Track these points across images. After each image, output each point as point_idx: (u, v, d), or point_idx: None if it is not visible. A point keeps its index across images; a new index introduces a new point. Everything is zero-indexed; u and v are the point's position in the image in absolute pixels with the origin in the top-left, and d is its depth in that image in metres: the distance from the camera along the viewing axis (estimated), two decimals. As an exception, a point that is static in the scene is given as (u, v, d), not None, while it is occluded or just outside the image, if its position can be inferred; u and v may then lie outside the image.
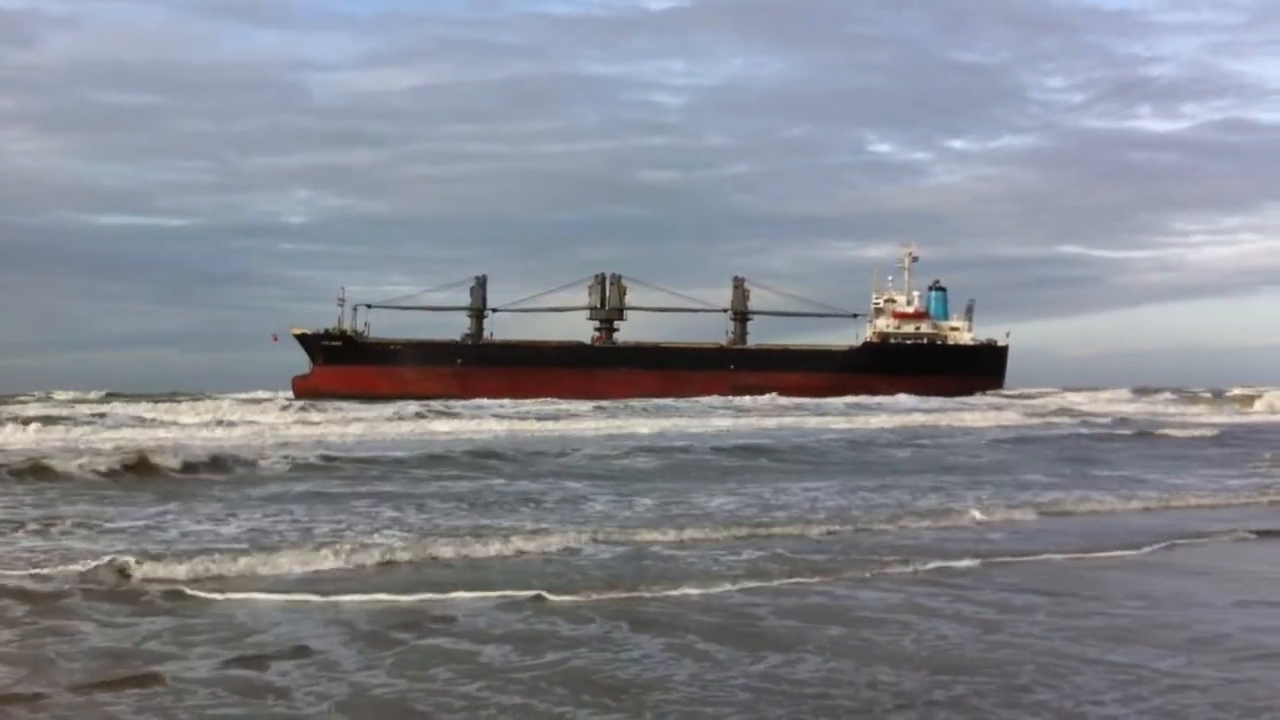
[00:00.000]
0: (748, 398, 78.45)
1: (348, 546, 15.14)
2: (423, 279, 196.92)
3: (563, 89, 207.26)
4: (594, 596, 12.58)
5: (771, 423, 53.75)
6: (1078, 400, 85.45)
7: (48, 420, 41.70)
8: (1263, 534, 18.20)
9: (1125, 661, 9.83)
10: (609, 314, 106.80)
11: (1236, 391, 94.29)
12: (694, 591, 12.95)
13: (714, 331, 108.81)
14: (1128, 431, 48.24)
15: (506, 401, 70.23)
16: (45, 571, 13.44)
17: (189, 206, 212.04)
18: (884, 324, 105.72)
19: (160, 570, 13.58)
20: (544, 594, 12.54)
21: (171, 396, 72.18)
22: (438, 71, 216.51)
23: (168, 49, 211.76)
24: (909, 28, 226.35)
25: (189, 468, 25.96)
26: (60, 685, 9.00)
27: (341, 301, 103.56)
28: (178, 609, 11.88)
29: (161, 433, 39.71)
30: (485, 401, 70.44)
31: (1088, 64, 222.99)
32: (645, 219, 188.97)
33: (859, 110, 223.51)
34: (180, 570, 13.65)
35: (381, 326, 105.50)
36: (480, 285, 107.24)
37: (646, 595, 12.76)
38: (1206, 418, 65.25)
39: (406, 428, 45.55)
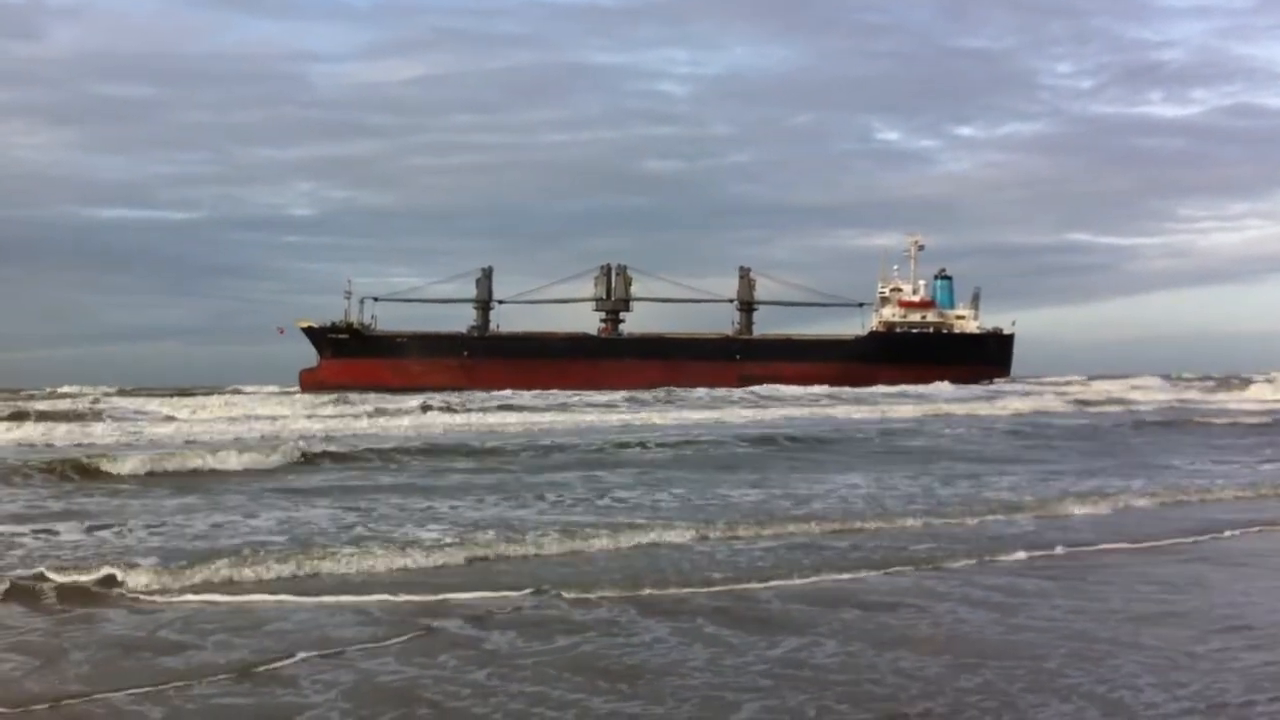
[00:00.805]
0: (784, 387, 77.98)
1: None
2: (428, 271, 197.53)
3: (566, 79, 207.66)
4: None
5: (840, 412, 54.07)
6: (1111, 388, 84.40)
7: (80, 416, 42.58)
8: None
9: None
10: (615, 305, 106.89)
11: (1268, 376, 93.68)
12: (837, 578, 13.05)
13: (720, 322, 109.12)
14: (1195, 419, 47.90)
15: (563, 393, 70.08)
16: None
17: (191, 199, 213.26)
18: (890, 313, 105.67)
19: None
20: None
21: (183, 391, 72.53)
22: (439, 62, 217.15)
23: (168, 40, 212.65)
24: (915, 14, 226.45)
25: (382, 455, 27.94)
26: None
27: (348, 294, 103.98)
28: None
29: (262, 425, 40.36)
30: (556, 393, 70.15)
31: (1096, 49, 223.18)
32: (650, 209, 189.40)
33: (865, 98, 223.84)
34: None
35: (388, 319, 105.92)
36: (486, 277, 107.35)
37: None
38: (1255, 404, 64.50)
39: (459, 419, 46.03)
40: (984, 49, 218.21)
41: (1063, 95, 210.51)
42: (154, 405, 51.04)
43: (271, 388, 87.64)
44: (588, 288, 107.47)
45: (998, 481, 23.35)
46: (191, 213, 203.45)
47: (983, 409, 56.59)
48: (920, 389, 77.47)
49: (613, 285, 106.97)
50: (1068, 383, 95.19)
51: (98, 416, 44.38)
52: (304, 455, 27.24)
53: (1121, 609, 11.61)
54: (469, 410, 51.36)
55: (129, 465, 24.33)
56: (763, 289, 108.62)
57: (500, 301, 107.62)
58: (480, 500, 20.01)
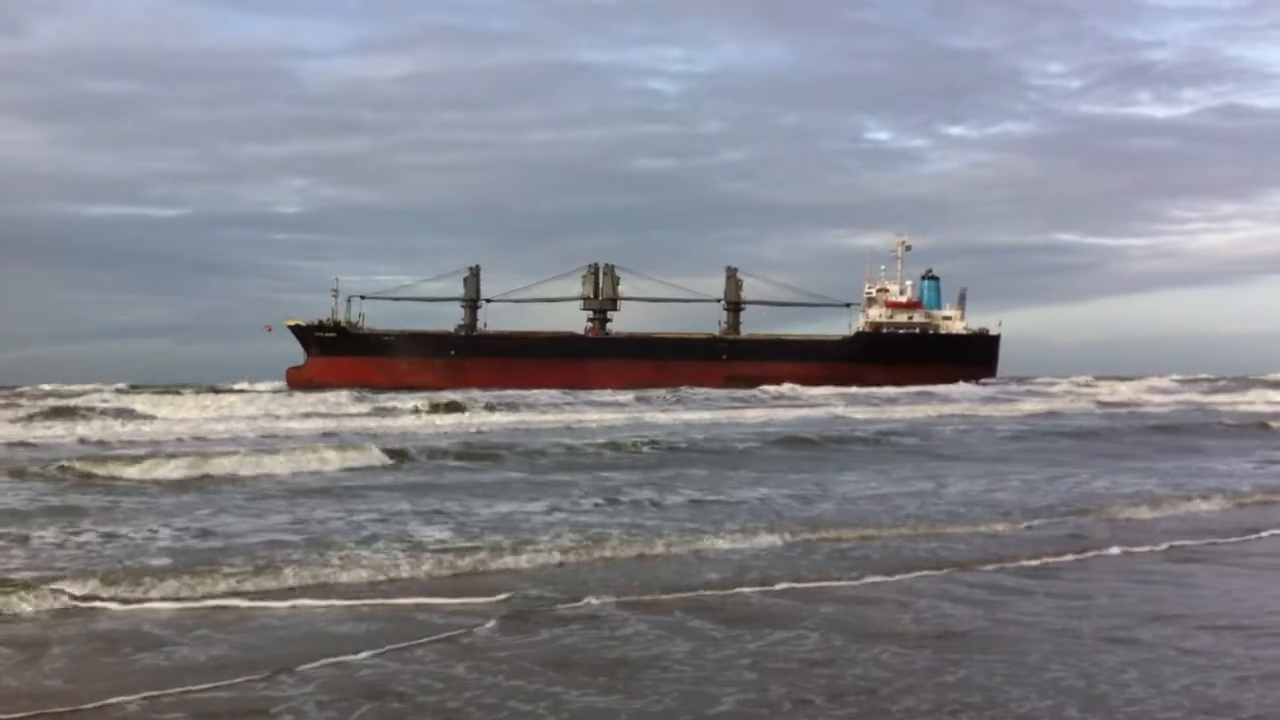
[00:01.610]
0: (804, 389, 77.98)
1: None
2: (416, 269, 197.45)
3: (556, 76, 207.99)
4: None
5: (903, 412, 54.33)
6: (1125, 390, 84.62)
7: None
8: None
9: None
10: (602, 304, 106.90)
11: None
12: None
13: (708, 321, 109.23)
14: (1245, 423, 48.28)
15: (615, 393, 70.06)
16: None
17: (179, 196, 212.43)
18: (877, 313, 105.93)
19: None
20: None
21: (170, 389, 72.13)
22: (429, 59, 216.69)
23: (156, 36, 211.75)
24: (907, 12, 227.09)
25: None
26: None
27: (335, 292, 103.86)
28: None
29: (352, 423, 41.62)
30: (601, 394, 70.10)
31: (1087, 49, 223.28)
32: (640, 207, 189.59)
33: (856, 96, 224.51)
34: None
35: (375, 317, 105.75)
36: (474, 275, 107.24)
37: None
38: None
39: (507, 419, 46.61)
40: (975, 48, 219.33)
41: (1053, 95, 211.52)
42: (167, 406, 50.75)
43: (263, 385, 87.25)
44: (575, 287, 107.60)
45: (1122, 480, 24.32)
46: (179, 210, 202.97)
47: (1001, 410, 57.18)
48: (943, 389, 77.79)
49: (600, 284, 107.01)
50: (1087, 384, 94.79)
51: (119, 415, 44.43)
52: (390, 454, 27.90)
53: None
54: (515, 409, 52.25)
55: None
56: (750, 289, 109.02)
57: (488, 300, 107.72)
58: (575, 502, 20.32)
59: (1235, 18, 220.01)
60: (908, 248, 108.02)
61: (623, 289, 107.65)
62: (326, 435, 35.78)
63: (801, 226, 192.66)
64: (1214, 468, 27.70)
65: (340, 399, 56.34)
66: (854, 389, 75.67)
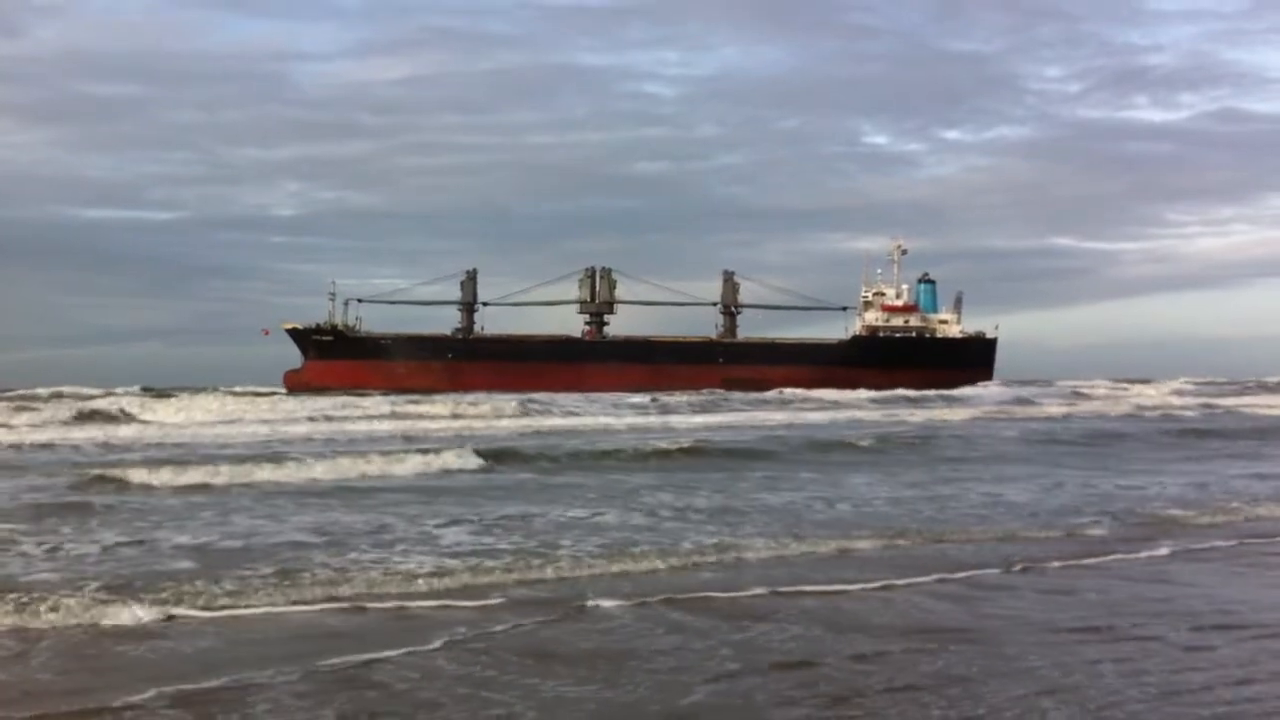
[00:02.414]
0: (828, 392, 78.14)
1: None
2: (413, 272, 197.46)
3: (554, 79, 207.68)
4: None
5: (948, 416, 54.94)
6: (1152, 392, 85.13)
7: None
8: None
9: None
10: (599, 307, 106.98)
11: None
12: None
13: (704, 325, 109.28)
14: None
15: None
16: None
17: (176, 199, 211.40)
18: (873, 317, 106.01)
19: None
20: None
21: (161, 393, 72.08)
22: (427, 62, 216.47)
23: (154, 39, 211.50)
24: (906, 16, 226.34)
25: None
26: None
27: (332, 296, 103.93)
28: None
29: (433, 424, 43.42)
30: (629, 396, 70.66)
31: (1086, 53, 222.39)
32: (637, 211, 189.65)
33: (854, 100, 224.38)
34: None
35: (372, 321, 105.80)
36: (471, 279, 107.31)
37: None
38: None
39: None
40: (974, 52, 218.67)
41: (1050, 99, 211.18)
42: (199, 408, 51.19)
43: (265, 387, 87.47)
44: (572, 290, 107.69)
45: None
46: (177, 213, 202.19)
47: (1034, 412, 57.97)
48: (968, 391, 78.32)
49: (597, 288, 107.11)
50: (1092, 386, 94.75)
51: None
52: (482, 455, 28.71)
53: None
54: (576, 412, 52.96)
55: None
56: (746, 292, 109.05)
57: (485, 303, 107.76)
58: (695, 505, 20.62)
59: (1235, 21, 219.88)
60: (904, 251, 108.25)
61: (619, 292, 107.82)
62: (409, 438, 36.58)
63: (799, 230, 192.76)
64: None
65: (377, 401, 57.46)
66: (885, 392, 76.26)
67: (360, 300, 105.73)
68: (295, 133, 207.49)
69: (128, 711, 8.86)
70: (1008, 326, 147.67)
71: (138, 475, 23.47)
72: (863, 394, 75.39)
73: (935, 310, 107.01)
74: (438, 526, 17.52)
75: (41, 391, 74.44)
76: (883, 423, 48.36)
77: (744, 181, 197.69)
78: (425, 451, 28.70)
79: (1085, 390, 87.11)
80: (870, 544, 16.21)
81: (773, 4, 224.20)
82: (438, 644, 10.67)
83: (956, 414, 56.01)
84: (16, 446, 32.42)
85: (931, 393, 77.83)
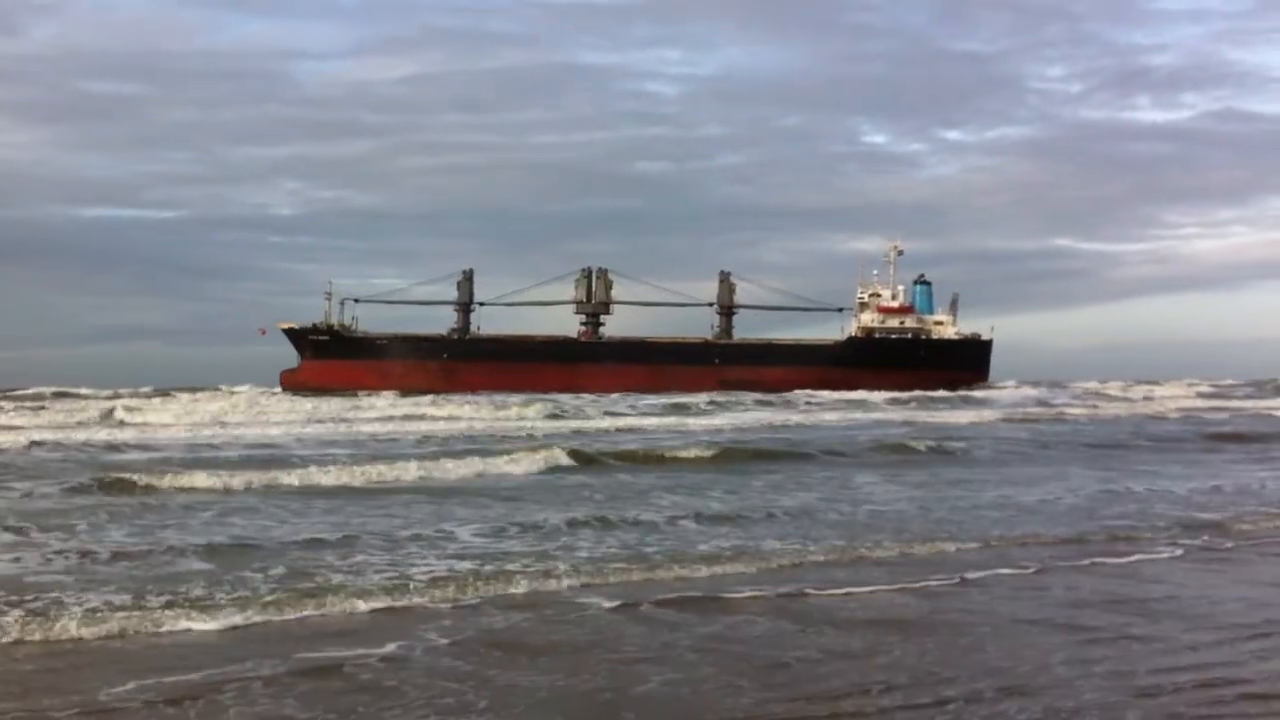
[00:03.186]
0: (869, 394, 78.68)
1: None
2: (412, 272, 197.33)
3: (557, 78, 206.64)
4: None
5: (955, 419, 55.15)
6: (1168, 394, 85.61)
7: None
8: None
9: None
10: (595, 308, 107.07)
11: None
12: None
13: (702, 325, 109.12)
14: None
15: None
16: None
17: (176, 198, 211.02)
18: (869, 318, 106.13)
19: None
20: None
21: (160, 391, 72.39)
22: (430, 60, 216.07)
23: (153, 37, 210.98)
24: (908, 16, 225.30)
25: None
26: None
27: (329, 295, 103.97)
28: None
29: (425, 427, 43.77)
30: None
31: (1089, 53, 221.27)
32: (637, 211, 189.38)
33: (855, 100, 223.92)
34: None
35: (369, 320, 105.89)
36: (467, 279, 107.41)
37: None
38: None
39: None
40: (976, 52, 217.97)
41: (1052, 99, 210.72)
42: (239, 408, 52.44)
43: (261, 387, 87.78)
44: (568, 290, 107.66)
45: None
46: (176, 212, 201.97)
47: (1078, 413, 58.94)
48: (990, 394, 78.91)
49: (593, 288, 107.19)
50: (1129, 389, 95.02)
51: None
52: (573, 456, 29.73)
53: None
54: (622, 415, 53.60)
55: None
56: (744, 293, 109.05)
57: (481, 303, 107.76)
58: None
59: (1238, 20, 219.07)
60: (900, 252, 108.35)
61: (616, 292, 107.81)
62: (470, 437, 37.35)
63: (798, 231, 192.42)
64: None
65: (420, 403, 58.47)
66: (904, 393, 76.81)
67: (357, 300, 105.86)
68: (295, 132, 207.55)
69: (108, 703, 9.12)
70: (1007, 328, 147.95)
71: (288, 477, 24.04)
72: (880, 395, 75.76)
73: (931, 311, 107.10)
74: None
75: (45, 390, 74.74)
76: (924, 424, 48.46)
77: (744, 181, 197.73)
78: (534, 450, 29.72)
79: (1107, 391, 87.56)
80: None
81: (775, 4, 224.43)
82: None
83: (985, 415, 56.24)
84: (54, 445, 32.10)
85: (952, 394, 78.31)
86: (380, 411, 52.55)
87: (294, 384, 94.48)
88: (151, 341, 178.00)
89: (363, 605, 12.22)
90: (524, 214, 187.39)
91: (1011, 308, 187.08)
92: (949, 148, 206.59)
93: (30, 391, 73.88)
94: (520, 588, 13.24)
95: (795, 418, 52.27)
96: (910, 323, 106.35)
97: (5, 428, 40.37)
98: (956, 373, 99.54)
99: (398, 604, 12.37)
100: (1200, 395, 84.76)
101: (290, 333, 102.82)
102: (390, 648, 10.55)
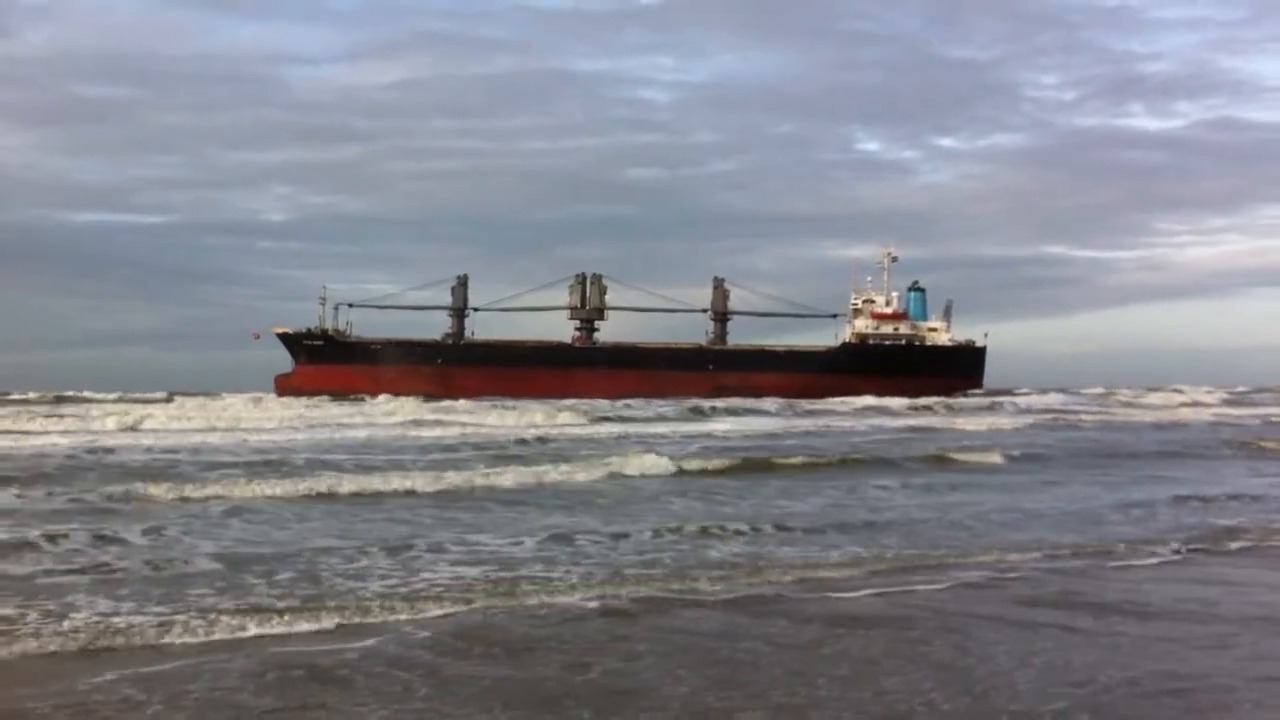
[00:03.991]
0: (892, 400, 79.08)
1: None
2: (404, 278, 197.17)
3: (549, 85, 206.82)
4: None
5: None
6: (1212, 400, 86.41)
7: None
8: None
9: None
10: (589, 314, 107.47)
11: None
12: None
13: (695, 332, 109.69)
14: None
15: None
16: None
17: (167, 203, 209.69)
18: (862, 325, 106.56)
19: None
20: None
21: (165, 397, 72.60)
22: (421, 65, 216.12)
23: (145, 41, 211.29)
24: (903, 23, 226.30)
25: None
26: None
27: (323, 300, 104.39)
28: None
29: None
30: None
31: (1083, 60, 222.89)
32: (630, 218, 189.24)
33: (849, 107, 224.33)
34: None
35: (363, 325, 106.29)
36: (461, 284, 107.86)
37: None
38: None
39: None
40: (971, 59, 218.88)
41: (1046, 107, 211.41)
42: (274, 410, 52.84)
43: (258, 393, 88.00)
44: (562, 296, 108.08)
45: None
46: (167, 217, 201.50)
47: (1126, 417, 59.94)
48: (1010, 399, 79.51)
49: (587, 294, 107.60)
50: (1138, 395, 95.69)
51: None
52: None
53: None
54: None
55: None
56: (737, 299, 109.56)
57: (475, 309, 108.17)
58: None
59: (1233, 29, 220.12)
60: (894, 259, 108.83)
61: (610, 298, 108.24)
62: (541, 440, 38.12)
63: (792, 237, 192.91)
64: None
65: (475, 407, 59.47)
66: (920, 400, 77.27)
67: (351, 305, 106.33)
68: (286, 137, 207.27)
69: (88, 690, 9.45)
70: (1000, 335, 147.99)
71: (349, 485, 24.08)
72: (899, 401, 76.30)
73: (925, 318, 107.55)
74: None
75: (45, 394, 74.83)
76: (965, 430, 48.65)
77: (738, 188, 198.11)
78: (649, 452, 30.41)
79: (1134, 399, 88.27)
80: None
81: (769, 10, 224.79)
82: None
83: (1008, 421, 56.68)
84: (92, 451, 31.56)
85: (969, 401, 78.71)
86: (407, 415, 52.94)
87: (288, 388, 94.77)
88: (143, 346, 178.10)
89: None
90: (516, 220, 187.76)
91: (1005, 314, 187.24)
92: (943, 155, 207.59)
93: (32, 395, 73.92)
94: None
95: (832, 423, 52.66)
96: (904, 329, 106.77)
97: (36, 432, 40.06)
98: (950, 379, 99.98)
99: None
100: (1226, 401, 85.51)
101: (284, 337, 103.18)
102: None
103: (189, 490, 22.28)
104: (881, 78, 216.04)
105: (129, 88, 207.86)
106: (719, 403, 71.88)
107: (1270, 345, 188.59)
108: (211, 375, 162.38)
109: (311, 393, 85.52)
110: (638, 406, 64.87)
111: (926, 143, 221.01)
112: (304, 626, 11.47)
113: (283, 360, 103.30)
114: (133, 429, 43.93)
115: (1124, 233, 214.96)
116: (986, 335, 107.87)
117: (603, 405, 66.47)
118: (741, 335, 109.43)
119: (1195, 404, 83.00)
